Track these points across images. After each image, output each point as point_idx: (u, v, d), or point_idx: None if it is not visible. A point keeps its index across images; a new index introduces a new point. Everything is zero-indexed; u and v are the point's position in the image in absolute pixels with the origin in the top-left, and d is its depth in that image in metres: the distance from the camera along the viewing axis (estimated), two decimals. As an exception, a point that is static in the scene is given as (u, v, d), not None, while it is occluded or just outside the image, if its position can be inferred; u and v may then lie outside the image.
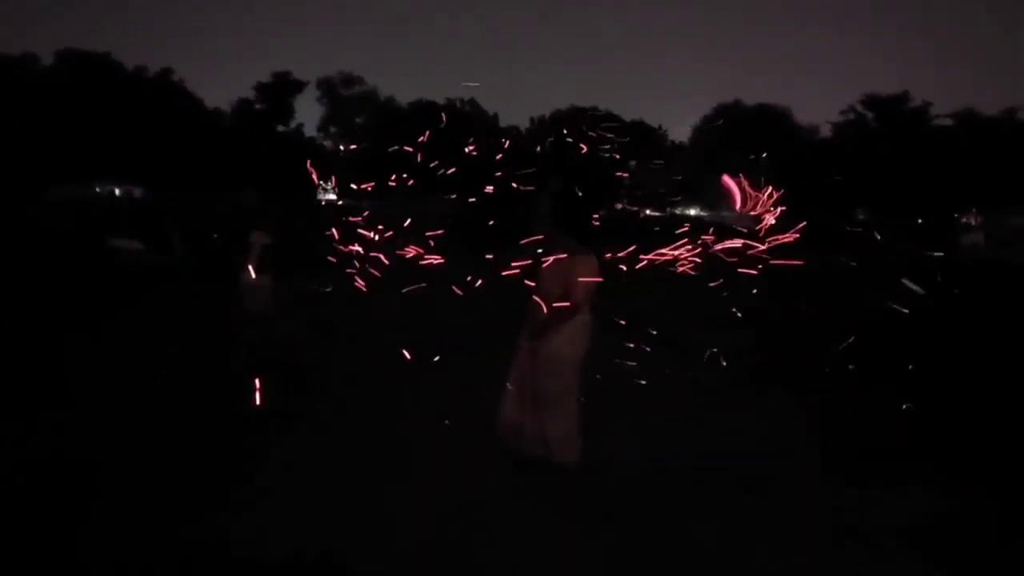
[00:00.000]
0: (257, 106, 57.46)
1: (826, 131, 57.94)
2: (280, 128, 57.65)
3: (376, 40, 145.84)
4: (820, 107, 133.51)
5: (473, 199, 6.15)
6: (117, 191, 50.24)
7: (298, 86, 58.62)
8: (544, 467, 4.66)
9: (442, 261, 5.16)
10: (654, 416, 5.79)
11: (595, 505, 4.31)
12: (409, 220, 5.52)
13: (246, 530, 3.84)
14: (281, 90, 57.61)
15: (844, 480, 4.78)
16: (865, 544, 3.94)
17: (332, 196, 60.89)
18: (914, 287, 7.09)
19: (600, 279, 4.66)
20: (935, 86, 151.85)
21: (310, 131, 60.44)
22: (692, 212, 53.39)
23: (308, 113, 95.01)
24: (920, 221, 43.97)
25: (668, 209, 47.11)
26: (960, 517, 4.28)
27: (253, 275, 7.30)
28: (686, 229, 5.01)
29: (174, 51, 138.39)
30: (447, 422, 5.41)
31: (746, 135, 47.82)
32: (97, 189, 49.41)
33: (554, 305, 4.62)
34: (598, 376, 4.94)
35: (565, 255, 4.71)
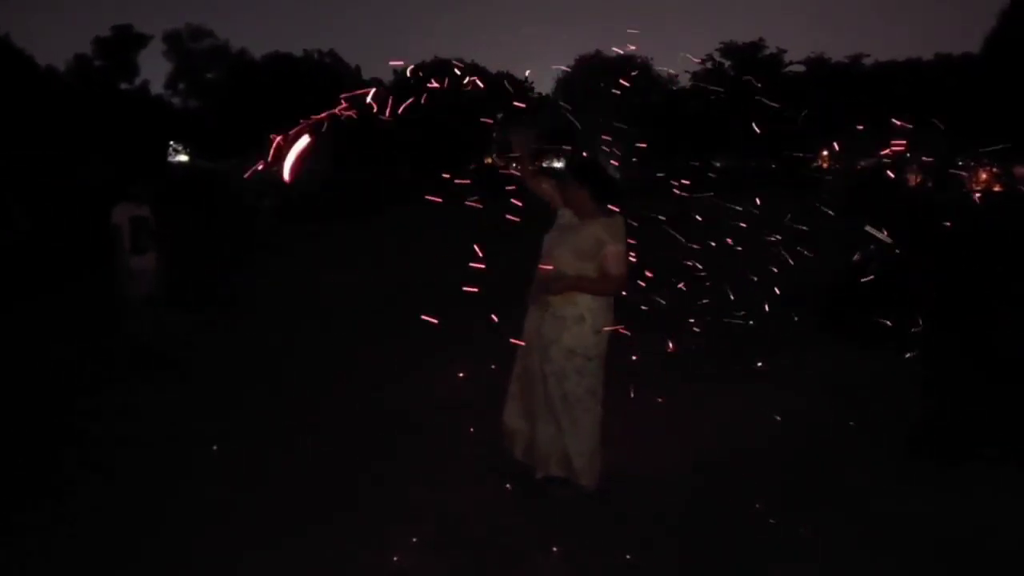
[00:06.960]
0: (96, 63, 53.16)
1: (685, 80, 59.68)
2: (123, 86, 53.68)
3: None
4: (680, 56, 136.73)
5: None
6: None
7: (142, 40, 54.51)
8: (563, 488, 4.04)
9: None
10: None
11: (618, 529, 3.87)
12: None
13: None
14: (122, 45, 53.42)
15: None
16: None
17: (184, 158, 57.55)
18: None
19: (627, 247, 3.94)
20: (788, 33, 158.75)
21: (157, 88, 56.67)
22: (558, 165, 53.99)
23: (154, 69, 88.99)
24: (773, 166, 46.10)
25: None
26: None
27: (131, 256, 6.64)
28: None
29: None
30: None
31: (609, 85, 48.38)
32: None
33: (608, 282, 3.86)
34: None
35: (594, 219, 3.96)
